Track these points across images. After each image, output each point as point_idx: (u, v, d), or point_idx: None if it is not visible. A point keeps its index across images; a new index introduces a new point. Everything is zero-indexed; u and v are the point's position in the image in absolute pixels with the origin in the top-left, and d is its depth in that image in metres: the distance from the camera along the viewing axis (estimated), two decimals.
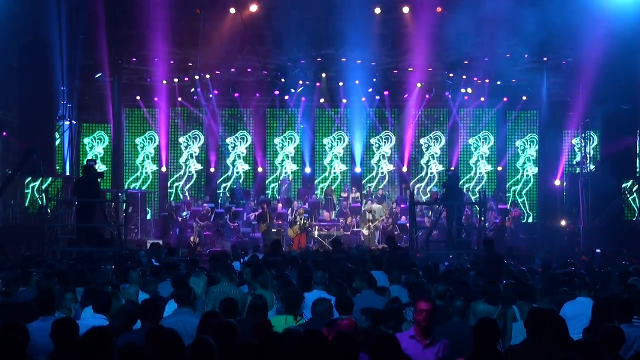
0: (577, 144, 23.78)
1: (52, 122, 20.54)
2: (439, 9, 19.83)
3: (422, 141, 26.15)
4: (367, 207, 22.78)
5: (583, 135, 22.47)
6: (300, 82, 24.75)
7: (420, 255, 16.08)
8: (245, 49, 22.12)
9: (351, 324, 6.05)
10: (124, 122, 25.19)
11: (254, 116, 26.09)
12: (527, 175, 26.10)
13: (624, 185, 21.98)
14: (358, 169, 25.72)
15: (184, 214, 23.22)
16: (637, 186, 22.37)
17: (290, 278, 9.40)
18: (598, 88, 20.36)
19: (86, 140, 25.56)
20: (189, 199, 24.92)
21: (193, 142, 26.14)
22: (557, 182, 24.19)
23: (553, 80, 23.64)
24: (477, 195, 21.86)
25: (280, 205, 23.24)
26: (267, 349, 4.92)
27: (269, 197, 24.73)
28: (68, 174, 21.42)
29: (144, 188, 25.53)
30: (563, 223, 22.88)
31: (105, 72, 22.02)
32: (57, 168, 22.00)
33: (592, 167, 21.98)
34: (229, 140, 26.09)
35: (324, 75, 24.63)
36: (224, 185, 25.98)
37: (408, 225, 20.02)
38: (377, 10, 19.98)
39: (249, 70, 24.05)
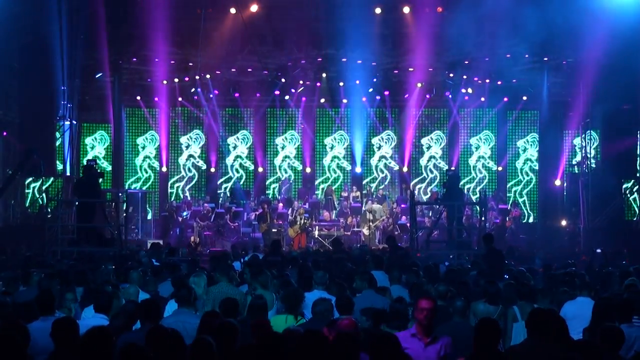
0: (578, 143, 23.78)
1: (53, 122, 20.54)
2: (439, 9, 19.84)
3: (422, 141, 26.15)
4: (368, 207, 22.78)
5: (583, 135, 22.47)
6: (301, 82, 24.78)
7: (420, 255, 16.08)
8: (245, 49, 22.13)
9: (351, 323, 6.05)
10: (124, 122, 25.20)
11: (254, 116, 26.09)
12: (528, 175, 26.09)
13: (624, 185, 21.98)
14: (358, 169, 25.72)
15: (184, 213, 23.22)
16: (637, 186, 22.35)
17: (289, 278, 9.41)
18: (598, 88, 20.35)
19: (87, 140, 25.56)
20: (189, 198, 24.91)
21: (194, 142, 26.13)
22: (558, 182, 24.18)
23: (553, 80, 23.65)
24: (478, 195, 21.86)
25: (280, 205, 23.24)
26: (266, 349, 4.91)
27: (269, 196, 24.73)
28: (68, 173, 21.42)
29: (144, 188, 25.53)
30: (563, 223, 22.88)
31: (106, 72, 22.03)
32: (58, 168, 22.01)
33: (593, 165, 21.97)
34: (229, 140, 26.09)
35: (324, 75, 24.64)
36: (224, 185, 25.98)
37: (408, 225, 20.03)
38: (378, 10, 19.98)
39: (249, 70, 24.05)
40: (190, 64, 23.25)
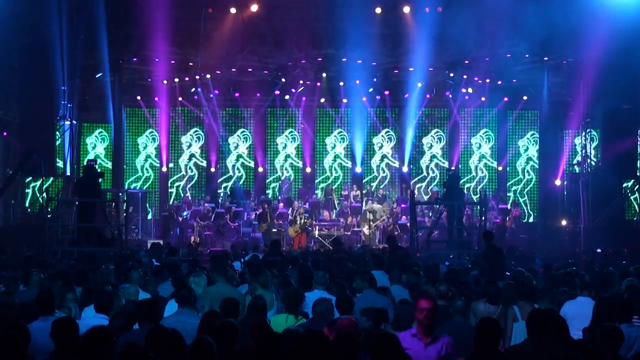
0: (578, 143, 23.78)
1: (53, 122, 20.55)
2: (440, 9, 19.83)
3: (423, 140, 26.15)
4: (368, 207, 22.78)
5: (583, 134, 22.47)
6: (301, 82, 24.77)
7: (420, 254, 16.09)
8: (245, 49, 22.14)
9: (351, 323, 6.05)
10: (125, 121, 25.20)
11: (255, 116, 26.08)
12: (529, 174, 26.09)
13: (624, 185, 21.98)
14: (358, 169, 25.72)
15: (185, 213, 23.22)
16: (637, 185, 22.35)
17: (289, 278, 9.41)
18: (599, 87, 20.36)
19: (88, 140, 25.56)
20: (189, 198, 24.91)
21: (194, 142, 26.13)
22: (558, 182, 24.18)
23: (554, 79, 23.63)
24: (478, 195, 21.86)
25: (280, 204, 23.24)
26: (264, 349, 4.91)
27: (269, 196, 24.73)
28: (68, 173, 21.43)
29: (144, 188, 25.53)
30: (563, 222, 22.89)
31: (106, 72, 22.01)
32: (58, 168, 22.01)
33: (593, 164, 21.97)
34: (229, 140, 26.09)
35: (324, 74, 24.64)
36: (224, 184, 25.98)
37: (408, 224, 20.03)
38: (378, 10, 19.99)
39: (250, 69, 24.05)
40: (191, 63, 23.24)
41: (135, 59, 22.95)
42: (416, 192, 23.76)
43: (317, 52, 22.68)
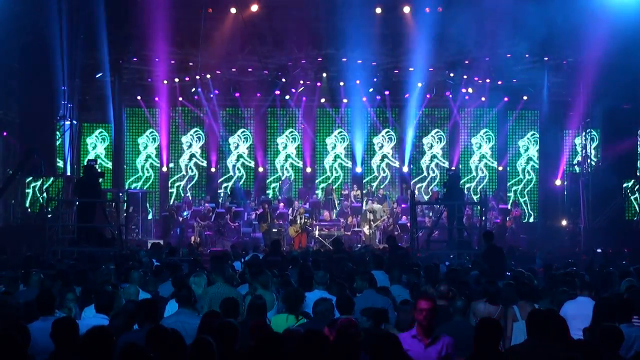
0: (578, 143, 23.78)
1: (53, 122, 20.55)
2: (440, 9, 19.84)
3: (423, 140, 26.15)
4: (368, 207, 22.79)
5: (584, 134, 22.47)
6: (301, 82, 24.78)
7: (420, 254, 16.08)
8: (245, 49, 22.15)
9: (351, 323, 6.04)
10: (125, 121, 25.21)
11: (255, 116, 26.09)
12: (530, 174, 26.09)
13: (624, 185, 21.98)
14: (359, 169, 25.72)
15: (185, 213, 23.22)
16: (637, 185, 22.35)
17: (289, 278, 9.41)
18: (599, 87, 20.36)
19: (88, 140, 25.56)
20: (189, 198, 24.92)
21: (194, 141, 26.13)
22: (558, 182, 24.19)
23: (554, 79, 23.64)
24: (478, 195, 21.86)
25: (281, 204, 23.24)
26: (264, 349, 4.91)
27: (270, 196, 24.74)
28: (68, 173, 21.44)
29: (144, 188, 25.53)
30: (564, 223, 22.89)
31: (106, 72, 22.02)
32: (58, 168, 22.01)
33: (593, 164, 21.97)
34: (230, 140, 26.09)
35: (324, 74, 24.64)
36: (224, 184, 25.99)
37: (408, 224, 20.03)
38: (378, 10, 20.00)
39: (250, 69, 24.06)
40: (191, 63, 23.25)
41: (135, 59, 22.96)
42: (416, 192, 23.75)
43: (317, 52, 22.69)
